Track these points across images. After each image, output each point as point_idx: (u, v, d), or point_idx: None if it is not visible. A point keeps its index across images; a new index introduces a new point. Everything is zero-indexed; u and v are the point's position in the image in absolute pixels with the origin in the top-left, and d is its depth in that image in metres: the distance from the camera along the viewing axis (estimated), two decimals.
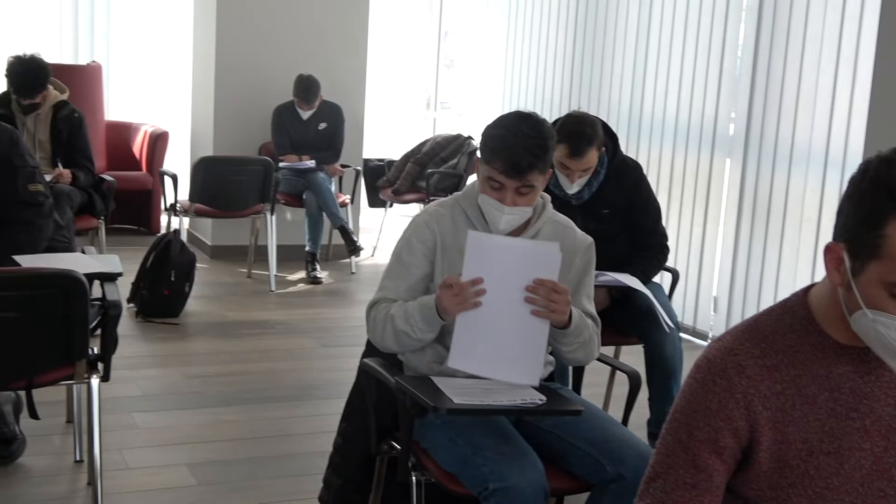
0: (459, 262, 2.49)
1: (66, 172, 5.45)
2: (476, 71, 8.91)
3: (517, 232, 2.63)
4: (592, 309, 2.70)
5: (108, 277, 3.31)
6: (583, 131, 3.65)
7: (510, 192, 2.53)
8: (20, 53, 5.46)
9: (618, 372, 3.26)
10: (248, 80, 7.34)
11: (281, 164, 6.89)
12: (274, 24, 7.35)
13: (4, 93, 5.61)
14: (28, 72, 5.36)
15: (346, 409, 2.91)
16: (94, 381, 3.15)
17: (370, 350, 2.77)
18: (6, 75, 5.46)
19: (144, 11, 8.90)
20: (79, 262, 3.41)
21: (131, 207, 7.79)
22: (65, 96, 5.62)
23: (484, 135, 2.59)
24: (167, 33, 8.92)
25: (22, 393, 3.74)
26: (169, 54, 8.93)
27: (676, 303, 4.67)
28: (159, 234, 6.13)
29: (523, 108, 8.29)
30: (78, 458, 3.73)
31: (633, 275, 3.75)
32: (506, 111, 2.67)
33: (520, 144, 2.49)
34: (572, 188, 3.74)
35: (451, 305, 2.45)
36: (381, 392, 2.68)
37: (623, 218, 3.89)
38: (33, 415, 3.15)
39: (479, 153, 2.61)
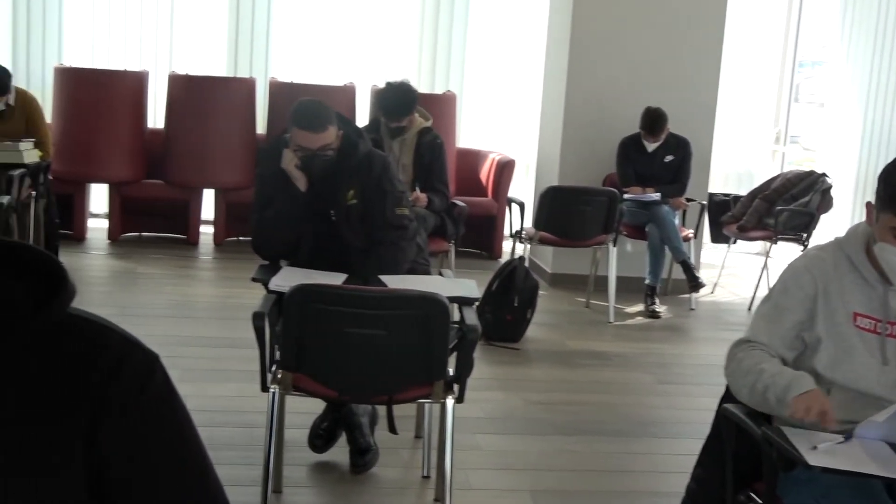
0: (840, 310, 2.34)
1: (423, 196, 5.70)
2: (832, 105, 8.47)
3: None
4: None
5: (466, 302, 3.40)
6: None
7: None
8: (392, 80, 5.79)
9: None
10: (596, 112, 7.38)
11: (625, 196, 6.86)
12: (625, 56, 7.35)
13: (375, 118, 5.96)
14: (398, 96, 5.66)
15: (701, 454, 2.81)
16: (450, 401, 3.24)
17: (731, 396, 2.66)
18: (378, 99, 5.81)
19: (498, 43, 9.19)
20: (439, 285, 3.54)
21: (476, 232, 8.03)
22: (429, 123, 5.87)
23: (886, 180, 2.39)
24: (519, 65, 9.15)
25: (378, 407, 3.95)
26: (519, 85, 9.15)
27: None
28: (506, 261, 6.27)
29: (886, 147, 7.76)
30: (425, 474, 3.86)
31: None
32: (866, 151, 2.49)
33: None
34: None
35: (800, 411, 2.32)
36: (740, 440, 2.57)
37: None
38: (392, 430, 3.29)
39: (875, 198, 2.43)
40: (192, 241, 8.16)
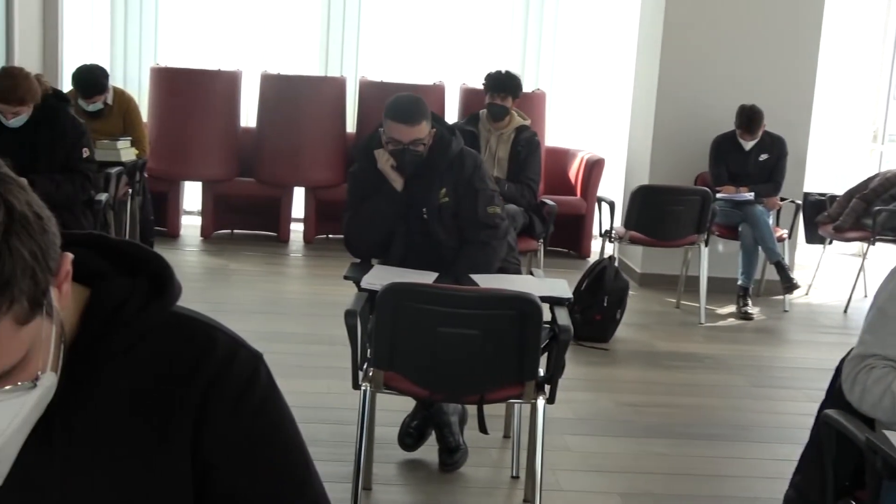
0: None
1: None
2: None
3: None
4: None
5: (559, 302, 3.38)
6: None
7: None
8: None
9: None
10: (688, 110, 7.27)
11: (718, 196, 6.75)
12: (719, 54, 7.23)
13: (474, 114, 6.16)
14: (505, 75, 6.11)
15: (800, 460, 2.75)
16: (541, 401, 3.22)
17: (832, 401, 2.59)
18: (486, 77, 6.18)
19: (588, 41, 9.13)
20: (531, 284, 3.52)
21: (564, 231, 7.98)
22: (527, 122, 6.15)
23: None
24: (608, 63, 9.07)
25: (468, 406, 3.95)
26: (608, 83, 9.08)
27: None
28: (595, 260, 6.22)
29: None
30: (514, 474, 3.84)
31: None
32: None
33: None
34: None
35: None
36: (841, 446, 2.50)
37: None
38: (483, 429, 3.28)
39: None
40: (283, 239, 8.26)
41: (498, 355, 3.12)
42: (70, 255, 1.08)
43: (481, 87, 6.30)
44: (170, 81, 8.06)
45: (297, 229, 8.37)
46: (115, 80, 7.52)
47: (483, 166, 3.92)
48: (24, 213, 0.99)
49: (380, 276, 3.52)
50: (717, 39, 7.23)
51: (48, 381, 1.07)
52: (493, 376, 3.17)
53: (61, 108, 5.22)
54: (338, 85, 8.27)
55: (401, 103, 3.80)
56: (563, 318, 3.26)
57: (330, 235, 8.34)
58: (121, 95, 6.87)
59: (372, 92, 8.14)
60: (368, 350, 3.33)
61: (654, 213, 6.38)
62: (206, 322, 1.25)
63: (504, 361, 3.12)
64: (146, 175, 7.06)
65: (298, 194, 8.32)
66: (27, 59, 7.39)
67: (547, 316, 3.32)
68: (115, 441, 1.16)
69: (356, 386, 3.31)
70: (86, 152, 5.19)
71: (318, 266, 7.62)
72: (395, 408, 4.01)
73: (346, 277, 3.69)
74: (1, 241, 0.95)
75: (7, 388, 1.01)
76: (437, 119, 3.94)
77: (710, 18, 7.23)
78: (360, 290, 3.49)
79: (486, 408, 3.60)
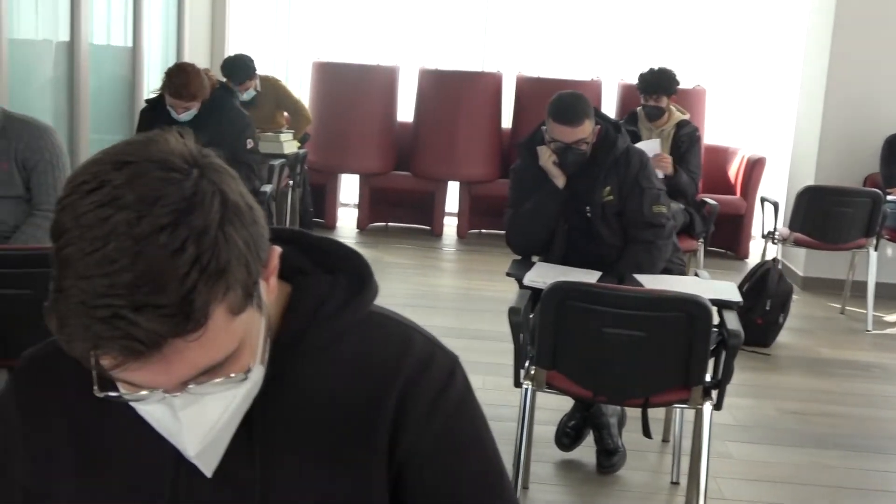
0: None
1: (668, 158, 5.77)
2: None
3: None
4: None
5: (728, 305, 3.28)
6: None
7: None
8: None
9: None
10: (859, 109, 6.99)
11: (889, 198, 6.46)
12: (892, 52, 6.92)
13: (632, 112, 6.13)
14: (659, 73, 6.02)
15: None
16: (707, 407, 3.13)
17: None
18: (638, 78, 6.10)
19: (751, 36, 8.88)
20: (698, 286, 3.43)
21: (722, 231, 7.77)
22: (686, 116, 6.07)
23: None
24: (772, 59, 8.81)
25: (627, 408, 3.88)
26: (771, 80, 8.81)
27: None
28: (758, 262, 6.03)
29: None
30: (674, 480, 3.76)
31: None
32: None
33: None
34: None
35: None
36: None
37: None
38: (647, 433, 3.21)
39: None
40: (437, 233, 8.31)
41: (664, 358, 3.04)
42: (278, 249, 1.08)
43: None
44: (330, 76, 8.21)
45: (450, 224, 8.41)
46: (278, 75, 7.71)
47: (649, 164, 3.84)
48: (237, 202, 0.99)
49: (542, 274, 3.49)
50: (889, 37, 6.92)
51: (257, 375, 1.08)
52: (659, 380, 3.10)
53: (227, 100, 5.37)
54: (494, 80, 8.26)
55: (563, 103, 3.75)
56: (733, 322, 3.16)
57: (483, 231, 8.35)
58: (265, 80, 7.06)
59: (528, 87, 8.11)
60: (529, 348, 3.30)
61: (820, 214, 6.15)
62: (402, 322, 1.25)
63: (670, 365, 3.04)
64: (306, 167, 7.21)
65: (453, 189, 8.36)
66: (196, 57, 7.64)
67: (713, 319, 3.23)
68: (313, 440, 1.15)
69: (517, 384, 3.29)
70: (250, 143, 5.33)
71: (471, 261, 7.64)
72: (550, 406, 3.98)
73: (508, 274, 3.67)
74: (217, 229, 0.96)
75: (218, 380, 1.02)
76: (603, 116, 3.88)
77: (881, 15, 6.92)
78: (522, 287, 3.47)
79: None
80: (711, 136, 8.51)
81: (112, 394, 1.02)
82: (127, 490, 1.16)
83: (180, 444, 1.07)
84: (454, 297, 6.59)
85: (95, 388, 1.02)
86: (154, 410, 1.04)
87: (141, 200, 0.94)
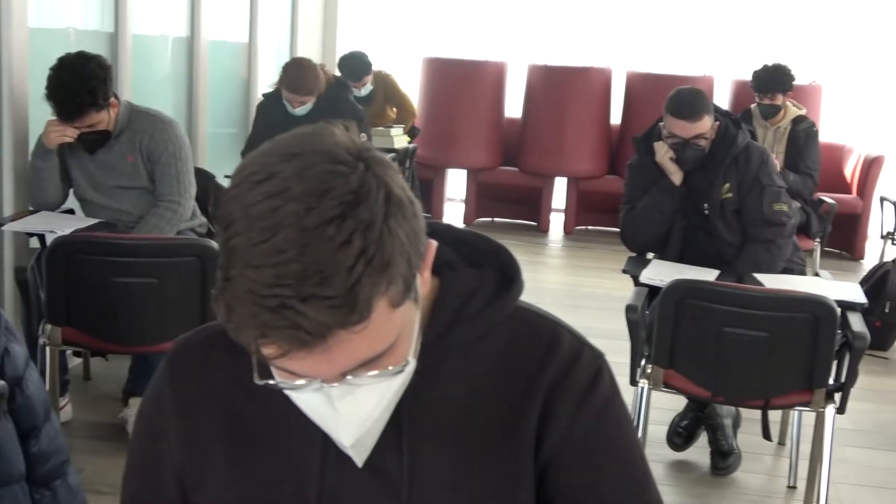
0: None
1: None
2: None
3: None
4: None
5: (853, 307, 3.20)
6: None
7: None
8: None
9: None
10: None
11: None
12: None
13: (747, 110, 6.01)
14: (773, 70, 5.94)
15: None
16: (830, 411, 3.07)
17: None
18: (752, 76, 6.02)
19: (869, 31, 8.64)
20: (821, 287, 3.35)
21: (837, 231, 7.57)
22: (803, 111, 5.99)
23: None
24: (891, 55, 8.56)
25: (742, 410, 3.81)
26: (891, 77, 8.56)
27: None
28: (877, 263, 5.87)
29: None
30: (791, 484, 3.68)
31: None
32: None
33: None
34: None
35: None
36: None
37: None
38: (767, 436, 3.16)
39: None
40: (543, 229, 8.28)
41: (787, 360, 2.99)
42: (434, 243, 1.09)
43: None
44: (439, 71, 8.25)
45: (556, 220, 8.37)
46: (388, 70, 7.77)
47: (770, 161, 3.77)
48: (399, 196, 1.00)
49: (659, 272, 3.45)
50: None
51: (412, 368, 1.08)
52: (781, 381, 3.04)
53: (342, 94, 5.42)
54: (604, 76, 8.19)
55: (681, 98, 3.71)
56: (858, 323, 3.09)
57: (589, 227, 8.29)
58: (377, 75, 7.13)
59: (638, 83, 8.02)
60: (646, 346, 3.27)
61: None
62: (549, 318, 1.24)
63: (793, 366, 2.99)
64: (415, 162, 7.26)
65: (560, 185, 8.32)
66: (308, 53, 7.74)
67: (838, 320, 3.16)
68: (459, 435, 1.15)
69: (633, 382, 3.26)
70: (364, 138, 5.38)
71: (578, 257, 7.59)
72: (661, 405, 3.93)
73: (624, 271, 3.64)
74: (382, 223, 0.96)
75: (374, 372, 1.03)
76: (723, 112, 3.83)
77: None
78: (638, 284, 3.44)
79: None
80: (827, 133, 8.29)
81: (271, 381, 1.04)
82: (276, 481, 1.17)
83: (335, 434, 1.08)
84: (561, 294, 6.56)
85: (256, 375, 1.04)
86: (310, 399, 1.05)
87: (309, 192, 0.95)
